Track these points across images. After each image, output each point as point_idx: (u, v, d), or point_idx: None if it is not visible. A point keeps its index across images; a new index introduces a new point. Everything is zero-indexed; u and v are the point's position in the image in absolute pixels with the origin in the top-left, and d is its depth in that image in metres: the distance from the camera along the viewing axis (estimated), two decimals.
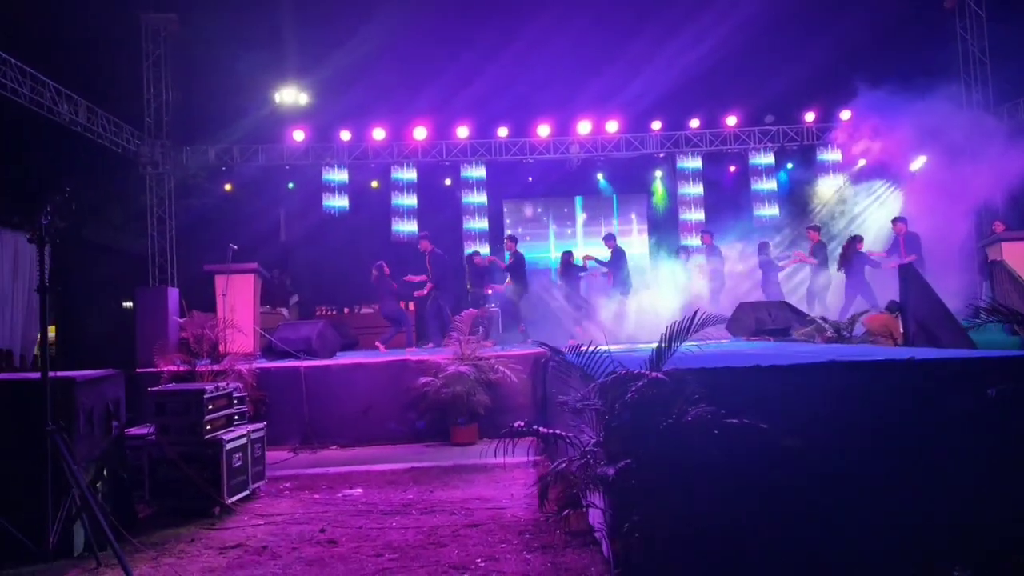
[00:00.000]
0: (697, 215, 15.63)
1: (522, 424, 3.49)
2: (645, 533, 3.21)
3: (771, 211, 15.51)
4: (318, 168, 15.71)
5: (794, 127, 15.73)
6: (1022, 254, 10.16)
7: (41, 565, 4.40)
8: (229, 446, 5.80)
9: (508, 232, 15.66)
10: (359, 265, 11.94)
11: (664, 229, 16.60)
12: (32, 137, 12.23)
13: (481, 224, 15.87)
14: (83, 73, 12.75)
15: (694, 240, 15.02)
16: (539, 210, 17.20)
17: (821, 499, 3.39)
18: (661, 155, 15.91)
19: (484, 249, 14.87)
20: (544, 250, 16.61)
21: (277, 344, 9.40)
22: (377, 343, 11.44)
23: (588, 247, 15.11)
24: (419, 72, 14.83)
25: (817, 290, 12.55)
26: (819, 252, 12.80)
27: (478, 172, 15.80)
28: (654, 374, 3.18)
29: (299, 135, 15.46)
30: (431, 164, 15.91)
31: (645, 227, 16.89)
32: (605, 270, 12.98)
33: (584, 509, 3.88)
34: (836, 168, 15.57)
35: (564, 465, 3.51)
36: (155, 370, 8.15)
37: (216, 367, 7.90)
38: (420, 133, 15.50)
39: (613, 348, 4.09)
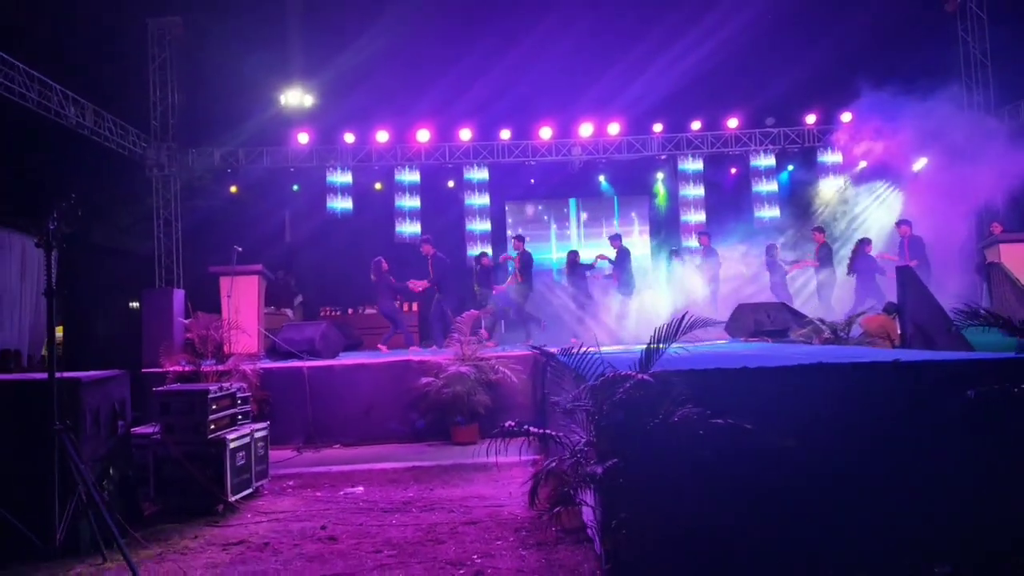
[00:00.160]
0: (698, 216, 15.71)
1: (513, 424, 3.59)
2: (633, 530, 3.30)
3: (772, 213, 15.57)
4: (322, 170, 15.85)
5: (795, 129, 15.79)
6: (1020, 256, 10.23)
7: (48, 562, 4.49)
8: (232, 445, 5.91)
9: (512, 233, 15.76)
10: (363, 266, 12.03)
11: (665, 231, 16.70)
12: (39, 141, 12.38)
13: (484, 226, 15.99)
14: (90, 77, 12.90)
15: (695, 241, 15.11)
16: (541, 211, 17.30)
17: (808, 499, 3.47)
18: (662, 157, 15.99)
19: (487, 250, 14.98)
20: (546, 251, 16.71)
21: (281, 345, 9.51)
22: (379, 345, 11.53)
23: (589, 248, 15.21)
24: (422, 75, 14.96)
25: (822, 291, 12.59)
26: (824, 254, 12.84)
27: (480, 174, 15.92)
28: (641, 376, 3.28)
29: (303, 137, 15.60)
30: (434, 166, 16.04)
31: (647, 228, 16.98)
32: (610, 271, 13.07)
33: (577, 507, 3.98)
34: (837, 170, 15.62)
35: (555, 464, 3.61)
36: (161, 370, 8.29)
37: (220, 367, 8.03)
38: (423, 135, 15.62)
39: (616, 348, 4.18)
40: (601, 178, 16.79)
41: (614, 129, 15.52)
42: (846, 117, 15.22)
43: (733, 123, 15.66)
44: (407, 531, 5.14)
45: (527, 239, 13.23)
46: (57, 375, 4.54)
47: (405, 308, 14.48)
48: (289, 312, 14.30)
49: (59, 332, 13.68)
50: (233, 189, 16.45)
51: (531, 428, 3.66)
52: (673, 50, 14.09)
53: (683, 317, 3.67)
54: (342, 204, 15.84)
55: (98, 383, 5.24)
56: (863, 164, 15.41)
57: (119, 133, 14.11)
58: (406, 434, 8.69)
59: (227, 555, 4.75)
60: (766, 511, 3.43)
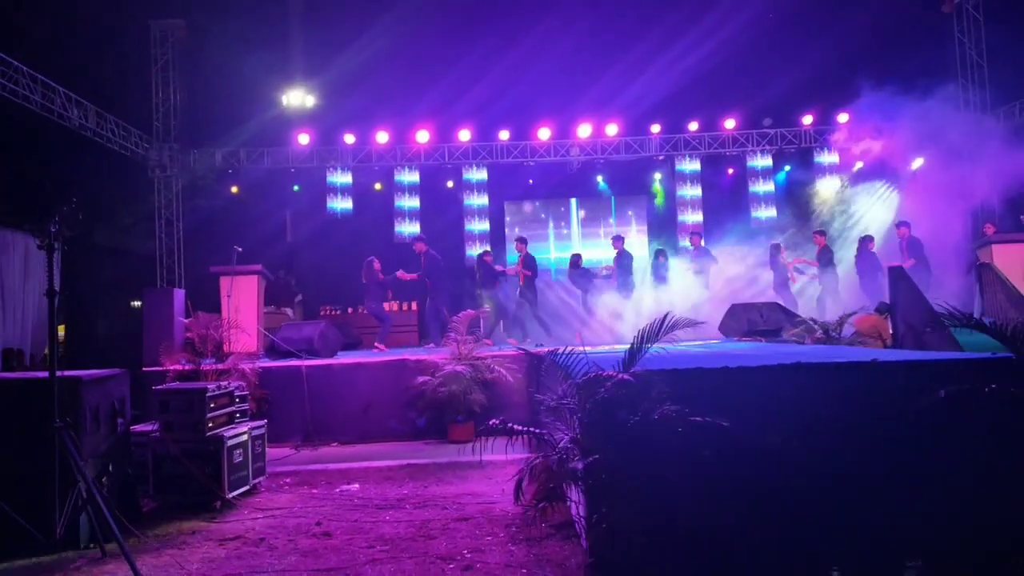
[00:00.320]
0: (696, 217, 15.82)
1: (497, 422, 3.70)
2: (614, 525, 3.41)
3: (769, 213, 15.67)
4: (323, 171, 15.98)
5: (792, 130, 15.89)
6: (1012, 256, 10.33)
7: (49, 555, 4.62)
8: (230, 443, 6.02)
9: (506, 235, 15.90)
10: (362, 266, 12.13)
11: (663, 231, 16.79)
12: (42, 142, 12.52)
13: (482, 226, 16.11)
14: (93, 79, 13.04)
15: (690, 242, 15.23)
16: (539, 211, 17.41)
17: (785, 495, 3.55)
18: (660, 158, 16.09)
19: (488, 248, 15.08)
20: (544, 251, 16.81)
21: (280, 344, 9.61)
22: (376, 344, 11.62)
23: (587, 248, 15.33)
24: (421, 76, 15.08)
25: (824, 293, 12.65)
26: (825, 256, 12.91)
27: (479, 174, 16.04)
28: (621, 375, 3.38)
29: (304, 138, 15.73)
30: (433, 167, 16.16)
31: (644, 228, 17.07)
32: (609, 272, 13.18)
33: (565, 503, 4.09)
34: (833, 170, 15.71)
35: (540, 460, 3.71)
36: (161, 369, 8.40)
37: (220, 366, 8.14)
38: (423, 136, 15.75)
39: (604, 348, 4.27)
40: (599, 178, 16.89)
41: (612, 130, 15.64)
42: (843, 118, 15.32)
43: (730, 124, 15.76)
44: (400, 527, 5.25)
45: (528, 241, 13.30)
46: (58, 374, 4.65)
47: (404, 307, 14.59)
48: (289, 311, 14.41)
49: (61, 331, 13.85)
50: (234, 189, 16.58)
51: (514, 426, 3.76)
52: (671, 51, 14.19)
53: (664, 318, 3.77)
54: (342, 204, 15.97)
55: (98, 382, 5.35)
56: (859, 164, 15.50)
57: (121, 134, 14.24)
58: (403, 432, 8.78)
59: (223, 550, 4.86)
60: (745, 506, 3.52)
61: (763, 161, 15.77)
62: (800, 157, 16.16)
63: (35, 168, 12.54)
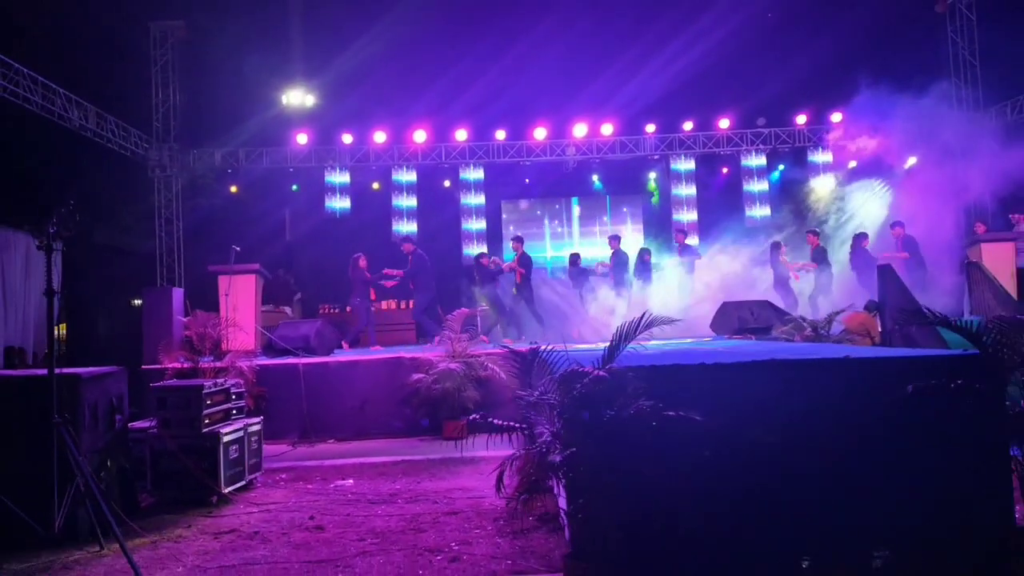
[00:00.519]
0: (690, 215, 15.96)
1: (478, 417, 3.83)
2: (591, 516, 3.54)
3: (763, 212, 15.80)
4: (321, 170, 16.12)
5: (786, 129, 16.01)
6: (1000, 255, 10.45)
7: (48, 549, 4.74)
8: (226, 439, 6.15)
9: (509, 233, 16.02)
10: (369, 262, 12.26)
11: (659, 229, 16.91)
12: (43, 143, 12.66)
13: (479, 225, 16.25)
14: (93, 80, 13.18)
15: (688, 239, 15.33)
16: (536, 211, 17.54)
17: (759, 488, 3.67)
18: (655, 157, 16.21)
19: (483, 248, 15.23)
20: (540, 250, 16.95)
21: (277, 342, 9.74)
22: (372, 347, 11.72)
23: (583, 247, 15.47)
24: (419, 76, 15.23)
25: (818, 292, 12.75)
26: (819, 256, 13.01)
27: (476, 174, 16.18)
28: (596, 372, 3.50)
29: (302, 138, 15.87)
30: (430, 166, 16.30)
31: (640, 227, 17.21)
32: (605, 271, 13.30)
33: (551, 496, 4.22)
34: (827, 169, 15.84)
35: (521, 454, 3.85)
36: (160, 367, 8.53)
37: (218, 364, 8.26)
38: (420, 136, 15.89)
39: (588, 346, 4.38)
40: (595, 177, 17.02)
41: (608, 129, 15.77)
42: (836, 117, 15.46)
43: (725, 123, 15.89)
44: (391, 521, 5.38)
45: (524, 240, 13.42)
46: (57, 371, 4.78)
47: (402, 306, 14.72)
48: (288, 310, 14.53)
49: (63, 329, 14.00)
50: (233, 189, 16.73)
51: (494, 421, 3.89)
52: (666, 52, 14.32)
53: (642, 317, 3.89)
54: (340, 204, 16.10)
55: (97, 379, 5.49)
56: (853, 163, 15.61)
57: (121, 135, 14.38)
58: (398, 429, 8.90)
59: (218, 543, 5.00)
60: (718, 498, 3.63)
61: (757, 160, 15.91)
62: (794, 156, 16.29)
63: (36, 168, 12.69)
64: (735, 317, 9.50)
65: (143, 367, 9.03)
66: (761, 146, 15.94)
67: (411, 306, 14.63)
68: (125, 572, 4.27)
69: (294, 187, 16.85)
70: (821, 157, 15.83)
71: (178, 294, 10.16)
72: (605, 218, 17.24)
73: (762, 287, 12.97)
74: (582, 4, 14.76)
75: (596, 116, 15.67)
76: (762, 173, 15.94)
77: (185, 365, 8.29)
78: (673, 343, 8.27)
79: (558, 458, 3.47)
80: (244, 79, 14.91)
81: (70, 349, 14.12)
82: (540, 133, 15.80)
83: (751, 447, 3.66)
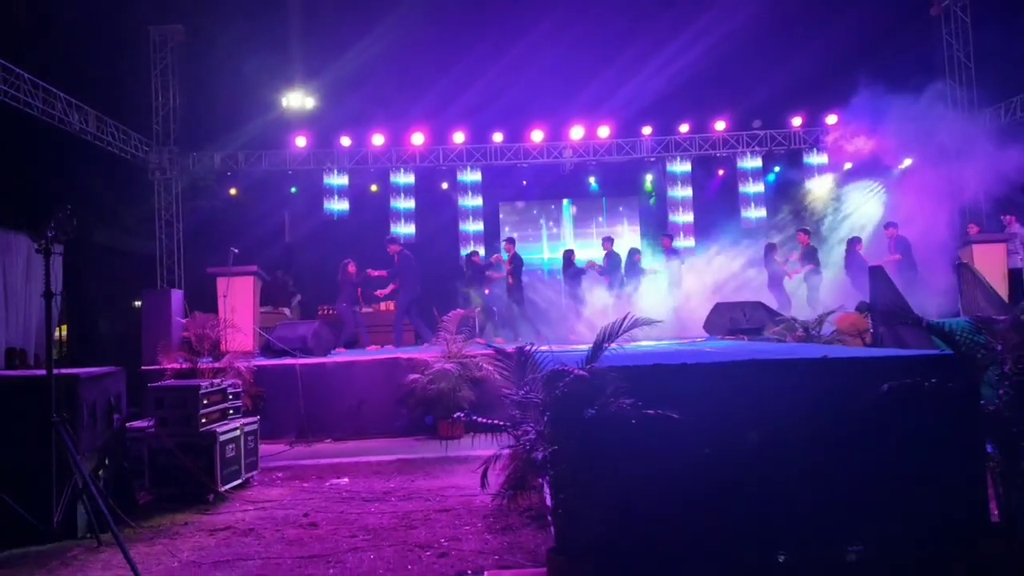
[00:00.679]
0: (686, 217, 16.06)
1: (462, 415, 3.93)
2: (573, 512, 3.64)
3: (758, 213, 15.90)
4: (319, 173, 16.25)
5: (781, 131, 16.11)
6: (992, 256, 10.55)
7: (47, 544, 4.86)
8: (223, 438, 6.25)
9: (505, 235, 16.12)
10: (359, 266, 12.37)
11: (655, 230, 16.99)
12: (44, 147, 12.81)
13: (477, 226, 16.37)
14: (93, 85, 13.32)
15: (684, 241, 15.50)
16: (533, 212, 17.65)
17: (734, 484, 3.76)
18: (652, 159, 16.32)
19: (480, 250, 15.32)
20: (537, 251, 17.09)
21: (275, 343, 9.85)
22: (368, 348, 11.82)
23: (580, 248, 15.55)
24: (416, 79, 15.39)
25: (808, 291, 12.85)
26: (810, 255, 13.11)
27: (474, 176, 16.30)
28: (577, 371, 3.61)
29: (301, 141, 15.99)
30: (428, 168, 16.42)
31: (637, 228, 17.31)
32: (597, 270, 13.39)
33: (536, 492, 4.31)
34: (822, 171, 15.94)
35: (507, 452, 3.95)
36: (159, 367, 8.65)
37: (216, 364, 8.39)
38: (418, 139, 16.01)
39: (572, 347, 4.47)
40: (591, 179, 17.13)
41: (604, 132, 15.89)
42: (831, 119, 15.54)
43: (720, 126, 16.00)
44: (384, 518, 5.48)
45: (516, 241, 13.51)
46: (56, 372, 4.89)
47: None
48: (287, 311, 14.63)
49: (64, 330, 14.13)
50: (233, 191, 16.85)
51: (478, 419, 4.00)
52: (662, 55, 14.44)
53: (624, 318, 3.99)
54: (339, 206, 16.23)
55: (95, 379, 5.60)
56: (848, 165, 15.71)
57: (121, 138, 14.51)
58: (395, 429, 8.98)
59: (213, 539, 5.11)
60: (697, 494, 3.72)
61: (753, 162, 16.01)
62: (789, 158, 16.38)
63: (37, 172, 12.83)
64: (728, 318, 9.61)
65: (143, 367, 9.15)
66: (757, 148, 16.05)
67: None
68: (121, 567, 4.37)
69: (293, 189, 16.97)
70: (816, 159, 15.94)
71: (177, 296, 10.28)
72: (600, 218, 17.35)
73: (756, 288, 13.07)
74: (578, 7, 14.87)
75: (593, 118, 15.79)
76: (758, 175, 16.05)
77: (184, 366, 8.40)
78: (663, 343, 8.38)
79: (540, 455, 3.57)
80: (243, 82, 15.07)
81: (71, 350, 14.26)
82: (537, 135, 15.92)
83: (729, 445, 3.76)
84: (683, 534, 3.70)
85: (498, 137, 16.06)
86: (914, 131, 13.95)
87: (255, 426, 6.92)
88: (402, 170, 16.27)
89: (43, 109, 11.94)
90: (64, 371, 5.25)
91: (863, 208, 15.87)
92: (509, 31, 14.74)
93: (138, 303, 14.10)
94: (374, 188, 16.91)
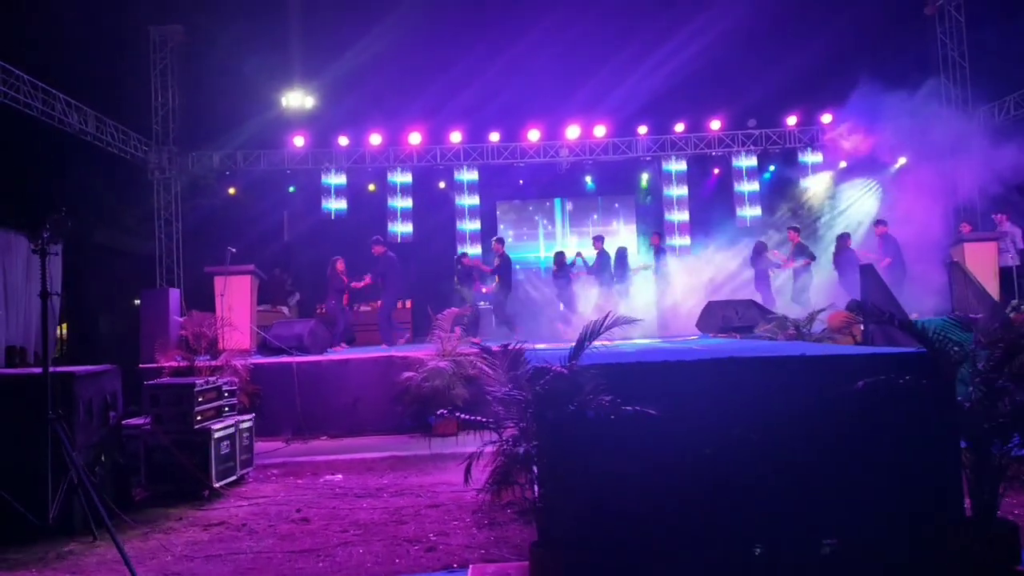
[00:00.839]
0: (682, 216, 16.16)
1: (445, 412, 4.03)
2: (554, 506, 3.74)
3: (753, 212, 15.98)
4: (317, 172, 16.34)
5: (776, 130, 16.18)
6: (983, 255, 10.63)
7: (44, 538, 4.95)
8: (217, 435, 6.36)
9: (497, 234, 16.24)
10: (357, 266, 12.46)
11: (651, 229, 17.07)
12: (44, 147, 12.92)
13: (474, 225, 16.46)
14: (92, 85, 13.43)
15: (679, 239, 15.61)
16: (530, 211, 17.75)
17: (712, 479, 3.83)
18: (647, 158, 16.40)
19: (476, 249, 15.44)
20: (534, 250, 17.19)
21: (271, 341, 9.94)
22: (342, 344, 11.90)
23: (576, 247, 15.62)
24: (414, 79, 15.47)
25: (798, 289, 12.93)
26: (800, 252, 13.19)
27: (471, 175, 16.39)
28: (557, 369, 3.70)
29: (299, 141, 16.09)
30: (426, 168, 16.52)
31: (633, 227, 17.38)
32: (585, 270, 13.48)
33: (517, 487, 4.40)
34: (817, 169, 16.02)
35: (491, 448, 4.05)
36: (157, 365, 8.74)
37: (213, 363, 8.49)
38: (415, 138, 16.10)
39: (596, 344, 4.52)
40: (588, 178, 17.22)
41: (600, 131, 15.97)
42: (826, 118, 15.62)
43: (716, 125, 16.07)
44: (375, 514, 5.59)
45: (511, 236, 13.59)
46: (53, 369, 4.99)
47: (399, 305, 14.92)
48: (285, 310, 14.73)
49: (64, 329, 14.24)
50: (232, 191, 16.95)
51: (461, 416, 4.10)
52: (657, 54, 14.51)
53: (606, 317, 4.08)
54: (337, 205, 16.33)
55: (91, 377, 5.71)
56: (843, 164, 15.79)
57: (120, 138, 14.61)
58: (390, 426, 9.05)
59: (207, 534, 5.21)
60: (674, 490, 3.78)
61: (748, 161, 16.09)
62: (784, 157, 16.46)
63: (37, 173, 12.94)
64: (720, 316, 9.69)
65: (141, 366, 9.24)
66: (752, 147, 16.12)
67: (408, 305, 14.92)
68: (116, 561, 4.47)
69: (291, 189, 17.07)
70: (811, 158, 16.03)
71: (175, 295, 10.39)
72: (595, 216, 17.45)
73: (750, 286, 13.16)
74: (575, 8, 14.95)
75: (589, 118, 15.87)
76: (753, 174, 16.12)
77: (181, 364, 8.49)
78: (653, 341, 8.47)
79: (521, 450, 3.67)
80: (242, 82, 15.16)
81: (71, 348, 14.38)
82: (534, 135, 16.01)
83: (707, 440, 3.83)
84: (662, 528, 3.78)
85: (495, 137, 16.14)
86: (909, 130, 14.02)
87: (250, 423, 7.03)
88: (399, 169, 16.37)
89: (42, 110, 12.04)
90: (60, 369, 5.35)
91: (858, 206, 15.95)
92: (506, 32, 14.83)
93: (137, 302, 14.22)
94: (372, 187, 17.00)
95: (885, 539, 3.89)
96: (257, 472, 7.14)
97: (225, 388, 6.88)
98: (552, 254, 14.26)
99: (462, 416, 4.17)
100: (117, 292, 15.65)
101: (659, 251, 13.39)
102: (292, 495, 6.31)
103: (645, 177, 17.25)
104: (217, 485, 6.29)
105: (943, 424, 3.99)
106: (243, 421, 6.88)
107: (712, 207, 16.11)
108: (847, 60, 14.81)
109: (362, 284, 12.16)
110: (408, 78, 15.48)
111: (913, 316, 7.78)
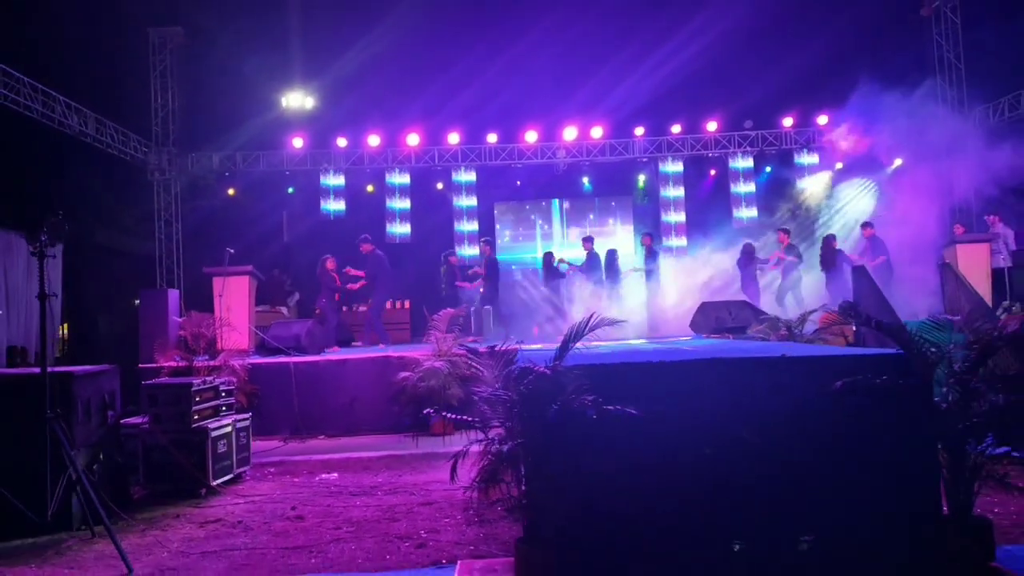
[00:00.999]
0: (678, 217, 16.24)
1: (432, 411, 4.13)
2: (537, 503, 3.84)
3: (750, 213, 16.06)
4: (316, 173, 16.44)
5: (772, 132, 16.26)
6: (976, 256, 10.70)
7: (43, 536, 5.07)
8: (214, 434, 6.46)
9: (495, 235, 16.34)
10: (354, 266, 12.56)
11: (647, 230, 17.15)
12: (44, 149, 13.02)
13: (472, 226, 16.55)
14: (92, 87, 13.53)
15: (676, 240, 15.70)
16: (527, 211, 17.85)
17: (693, 477, 3.92)
18: (644, 159, 16.49)
19: (474, 250, 15.54)
20: (531, 250, 17.28)
21: (269, 341, 10.04)
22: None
23: (573, 248, 15.75)
24: (412, 81, 15.57)
25: (789, 288, 13.03)
26: (789, 254, 13.30)
27: (469, 176, 16.48)
28: (540, 369, 3.80)
29: (298, 142, 16.19)
30: (424, 169, 16.61)
31: (630, 228, 17.47)
32: (567, 269, 13.56)
33: (503, 484, 4.50)
34: (814, 170, 16.11)
35: (477, 447, 4.15)
36: (156, 365, 8.85)
37: (212, 363, 8.60)
38: (413, 139, 16.20)
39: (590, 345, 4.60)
40: (585, 179, 17.31)
41: (597, 132, 16.06)
42: (822, 120, 15.70)
43: (712, 126, 16.16)
44: (368, 511, 5.68)
45: (506, 237, 13.63)
46: (52, 369, 5.10)
47: (398, 305, 15.03)
48: (284, 310, 14.82)
49: (65, 329, 14.34)
50: (231, 191, 17.06)
51: (447, 415, 4.20)
52: (654, 56, 14.62)
53: (590, 318, 4.18)
54: (335, 206, 16.43)
55: (90, 377, 5.82)
56: (839, 165, 15.87)
57: (120, 140, 14.72)
58: (386, 425, 9.14)
59: (203, 531, 5.32)
60: (656, 488, 3.87)
61: (744, 162, 16.17)
62: (780, 158, 16.54)
63: (37, 174, 13.05)
64: (713, 317, 9.78)
65: (140, 365, 9.35)
66: (748, 148, 16.21)
67: (407, 306, 15.03)
68: (114, 557, 4.57)
69: (290, 190, 17.17)
70: (807, 159, 16.12)
71: (173, 295, 10.49)
72: (592, 216, 17.55)
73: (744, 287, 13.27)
74: (572, 10, 15.05)
75: (586, 119, 15.97)
76: (749, 175, 16.21)
77: (180, 364, 8.60)
78: (641, 342, 8.56)
79: (505, 448, 3.77)
80: (241, 84, 15.28)
81: (72, 348, 14.48)
82: (531, 136, 16.10)
83: (689, 440, 3.93)
84: (642, 525, 3.87)
85: (492, 138, 16.24)
86: (905, 131, 14.10)
87: (247, 422, 7.13)
88: (397, 170, 16.46)
89: (43, 112, 12.15)
90: (59, 369, 5.46)
91: (854, 207, 16.04)
92: (504, 33, 14.93)
93: (137, 302, 14.34)
94: (370, 188, 17.10)
95: (863, 537, 3.98)
96: (254, 471, 7.24)
97: (222, 388, 6.98)
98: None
99: (448, 415, 4.28)
100: (117, 292, 15.75)
101: (650, 252, 13.46)
102: (288, 493, 6.40)
103: (642, 178, 17.33)
104: (214, 483, 6.38)
105: (921, 424, 4.07)
106: (240, 420, 6.98)
107: (708, 208, 16.21)
108: (843, 62, 14.90)
109: (358, 285, 12.23)
110: (406, 80, 15.60)
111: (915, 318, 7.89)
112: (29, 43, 12.31)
